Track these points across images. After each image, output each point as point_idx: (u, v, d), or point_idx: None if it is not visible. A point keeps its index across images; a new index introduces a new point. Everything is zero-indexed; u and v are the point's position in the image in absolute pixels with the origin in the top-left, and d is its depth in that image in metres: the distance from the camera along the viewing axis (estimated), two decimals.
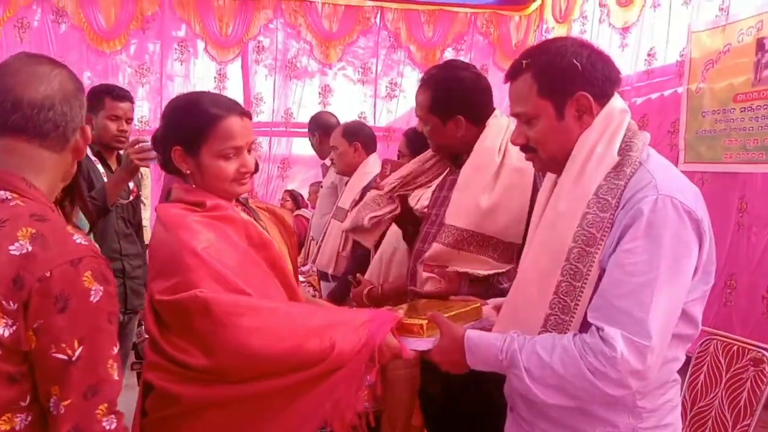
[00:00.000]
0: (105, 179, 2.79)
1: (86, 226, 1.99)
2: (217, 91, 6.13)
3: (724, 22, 4.34)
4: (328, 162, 3.89)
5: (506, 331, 1.37)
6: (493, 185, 1.88)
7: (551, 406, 1.32)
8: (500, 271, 1.87)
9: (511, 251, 1.88)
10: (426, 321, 1.45)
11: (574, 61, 1.35)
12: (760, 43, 4.06)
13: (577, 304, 1.29)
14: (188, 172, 1.50)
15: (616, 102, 1.38)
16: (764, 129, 4.02)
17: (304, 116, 6.23)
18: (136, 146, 2.49)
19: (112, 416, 1.06)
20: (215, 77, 6.15)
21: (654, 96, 4.93)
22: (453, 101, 1.96)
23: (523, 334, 1.33)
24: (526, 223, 1.73)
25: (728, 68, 4.30)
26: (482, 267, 1.88)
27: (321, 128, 3.88)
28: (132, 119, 2.94)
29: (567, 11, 6.06)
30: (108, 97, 2.85)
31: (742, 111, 4.18)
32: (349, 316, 1.49)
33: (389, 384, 2.35)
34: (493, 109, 2.03)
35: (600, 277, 1.28)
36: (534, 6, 6.49)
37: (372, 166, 3.37)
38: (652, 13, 5.02)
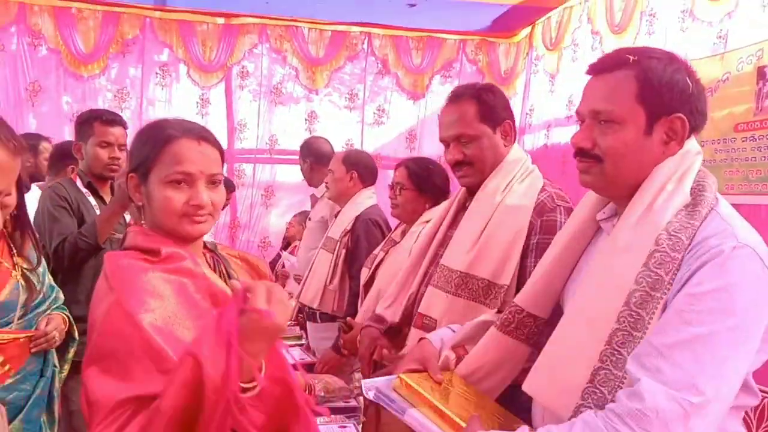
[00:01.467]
0: (97, 212, 2.58)
1: (35, 260, 1.81)
2: (199, 117, 5.98)
3: (723, 49, 4.26)
4: (318, 192, 3.70)
5: (543, 383, 1.19)
6: (484, 225, 1.81)
7: None
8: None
9: (498, 293, 1.76)
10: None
11: (687, 79, 1.20)
12: (761, 72, 3.96)
13: None
14: (140, 203, 1.32)
15: (693, 143, 1.24)
16: (767, 159, 3.91)
17: (288, 143, 6.10)
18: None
19: None
20: (198, 102, 6.00)
21: None
22: (500, 103, 1.94)
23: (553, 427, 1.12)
24: (520, 265, 1.70)
25: (728, 97, 4.19)
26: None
27: (313, 155, 3.72)
28: (125, 145, 2.73)
29: (557, 38, 5.97)
30: (97, 122, 2.67)
31: (743, 141, 4.07)
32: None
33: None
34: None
35: None
36: (523, 33, 6.42)
37: (366, 198, 3.19)
38: (647, 40, 4.93)
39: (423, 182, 2.55)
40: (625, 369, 1.11)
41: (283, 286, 4.63)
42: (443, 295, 1.84)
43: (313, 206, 3.90)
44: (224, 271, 1.41)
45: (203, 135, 1.32)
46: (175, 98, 6.00)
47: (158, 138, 1.28)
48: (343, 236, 3.10)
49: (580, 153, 1.27)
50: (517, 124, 6.39)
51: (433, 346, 1.48)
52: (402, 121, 6.50)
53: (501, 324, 1.41)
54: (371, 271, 2.60)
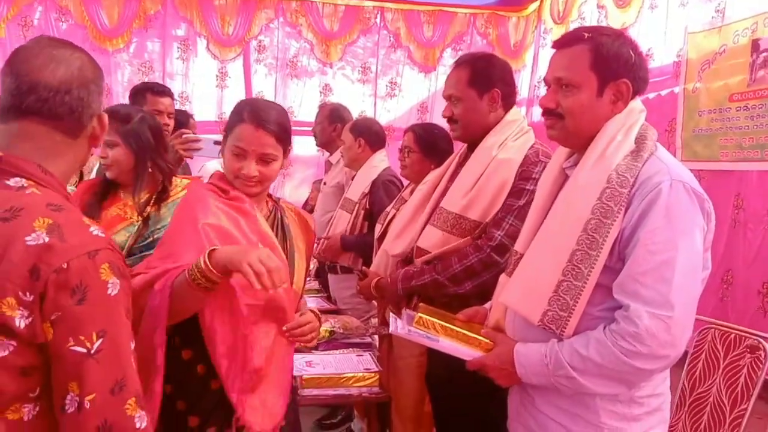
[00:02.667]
0: None
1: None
2: (218, 90, 6.22)
3: (720, 23, 4.42)
4: (333, 159, 3.95)
5: (517, 295, 1.49)
6: (479, 175, 2.12)
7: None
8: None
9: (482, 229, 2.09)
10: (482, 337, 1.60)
11: (630, 51, 1.47)
12: (755, 44, 4.14)
13: (591, 271, 1.39)
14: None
15: (638, 103, 1.51)
16: (759, 128, 4.10)
17: (304, 115, 6.30)
18: (182, 137, 2.53)
19: (143, 413, 1.04)
20: (217, 75, 6.21)
21: (651, 96, 5.00)
22: (492, 73, 2.18)
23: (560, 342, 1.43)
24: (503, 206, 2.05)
25: (724, 68, 4.37)
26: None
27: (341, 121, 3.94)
28: (173, 114, 3.00)
29: (565, 12, 6.13)
30: (149, 93, 2.91)
31: (737, 110, 4.26)
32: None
33: (398, 372, 2.41)
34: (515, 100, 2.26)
35: (612, 250, 1.38)
36: (532, 7, 6.56)
37: (378, 161, 3.44)
38: (649, 14, 5.10)
39: (429, 146, 2.79)
40: (614, 297, 1.37)
41: None
42: (439, 232, 2.16)
43: (326, 172, 4.15)
44: (280, 218, 1.74)
45: (263, 121, 1.59)
46: (194, 71, 6.22)
47: (234, 116, 1.63)
48: (362, 198, 3.36)
49: (547, 112, 1.53)
50: (525, 95, 6.56)
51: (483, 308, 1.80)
52: (414, 93, 6.66)
53: (507, 271, 1.68)
54: (384, 226, 2.85)
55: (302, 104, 6.43)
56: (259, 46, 6.32)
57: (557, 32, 6.19)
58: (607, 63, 1.45)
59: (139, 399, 1.04)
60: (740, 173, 4.24)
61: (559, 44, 1.53)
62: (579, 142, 1.51)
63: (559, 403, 1.48)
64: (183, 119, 4.20)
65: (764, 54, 4.07)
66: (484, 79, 2.16)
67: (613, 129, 1.46)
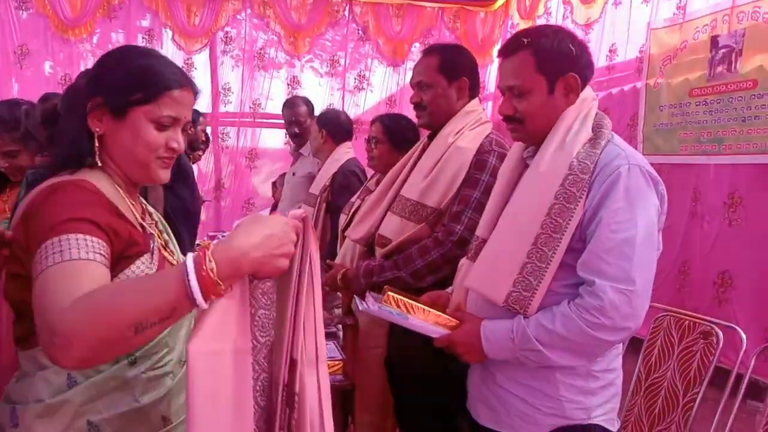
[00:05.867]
0: None
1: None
2: None
3: (681, 20, 4.52)
4: (304, 150, 3.95)
5: (481, 278, 1.55)
6: (436, 162, 2.15)
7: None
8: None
9: (439, 216, 2.13)
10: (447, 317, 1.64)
11: (570, 45, 1.54)
12: (714, 41, 4.24)
13: (554, 253, 1.46)
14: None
15: (589, 91, 1.59)
16: (717, 122, 4.21)
17: (271, 107, 6.27)
18: None
19: None
20: (183, 67, 6.07)
21: (615, 90, 5.10)
22: (461, 62, 2.22)
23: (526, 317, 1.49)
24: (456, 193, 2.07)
25: (685, 64, 4.48)
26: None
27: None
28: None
29: (532, 8, 6.20)
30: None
31: (696, 105, 4.36)
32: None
33: (363, 362, 2.42)
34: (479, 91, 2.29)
35: (575, 232, 1.45)
36: (500, 2, 6.62)
37: (342, 154, 3.45)
38: (613, 10, 5.19)
39: (396, 136, 2.80)
40: (578, 274, 1.45)
41: None
42: (398, 219, 2.19)
43: (293, 164, 4.15)
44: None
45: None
46: None
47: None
48: (323, 191, 3.37)
49: (506, 119, 1.60)
50: (492, 90, 6.60)
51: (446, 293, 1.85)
52: (382, 87, 6.67)
53: (470, 255, 1.73)
54: (348, 217, 2.86)
55: (270, 97, 6.39)
56: (226, 37, 6.27)
57: (524, 27, 6.26)
58: (552, 62, 1.53)
59: None
60: (698, 166, 4.34)
61: (502, 53, 1.61)
62: (542, 140, 1.57)
63: (520, 378, 1.54)
64: (194, 117, 4.21)
65: (723, 50, 4.18)
66: (453, 67, 2.20)
67: (569, 119, 1.53)
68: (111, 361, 1.12)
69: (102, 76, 1.20)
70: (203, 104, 5.79)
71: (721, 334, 2.20)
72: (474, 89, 2.26)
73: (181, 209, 4.17)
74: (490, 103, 6.63)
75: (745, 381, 2.13)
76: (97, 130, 1.19)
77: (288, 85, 6.42)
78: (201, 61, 6.22)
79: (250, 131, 6.50)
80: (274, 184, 5.11)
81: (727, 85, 4.13)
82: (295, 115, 4.01)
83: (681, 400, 2.22)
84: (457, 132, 2.16)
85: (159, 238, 1.28)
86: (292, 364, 1.04)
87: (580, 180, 1.46)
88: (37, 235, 1.04)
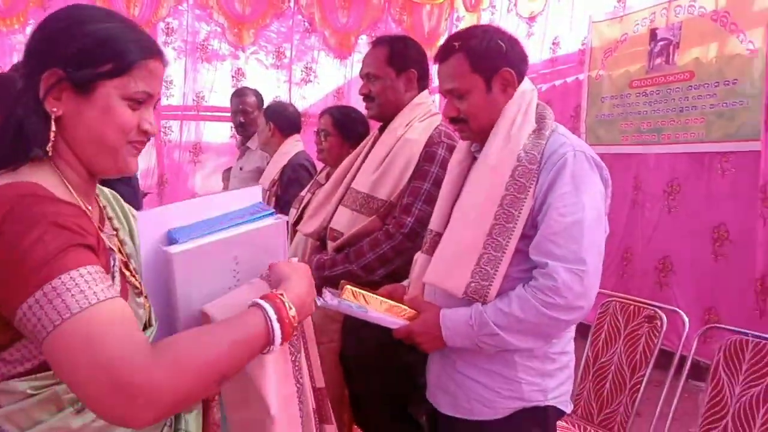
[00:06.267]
0: None
1: None
2: None
3: (622, 13, 4.64)
4: (252, 144, 3.88)
5: (440, 272, 1.57)
6: (386, 154, 2.15)
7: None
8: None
9: (390, 208, 2.13)
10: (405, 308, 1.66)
11: (500, 42, 1.59)
12: (653, 33, 4.37)
13: (509, 242, 1.50)
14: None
15: (527, 83, 1.63)
16: (656, 113, 4.34)
17: (215, 100, 6.14)
18: None
19: None
20: None
21: (558, 83, 5.20)
22: (409, 54, 2.22)
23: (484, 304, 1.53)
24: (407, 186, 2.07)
25: (625, 56, 4.60)
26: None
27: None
28: None
29: (477, 1, 6.25)
30: None
31: (637, 96, 4.49)
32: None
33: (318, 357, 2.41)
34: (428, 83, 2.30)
35: (527, 220, 1.50)
36: None
37: (290, 147, 3.40)
38: (556, 3, 5.28)
39: (346, 129, 2.78)
40: (530, 258, 1.49)
41: None
42: (349, 212, 2.19)
43: (239, 158, 4.07)
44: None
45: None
46: None
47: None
48: (272, 186, 3.32)
49: (452, 121, 1.65)
50: (437, 82, 6.66)
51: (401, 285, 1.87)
52: (329, 80, 6.61)
53: (425, 249, 1.75)
54: (299, 211, 2.83)
55: (214, 89, 6.26)
56: (167, 28, 6.09)
57: (469, 20, 6.31)
58: (485, 61, 1.59)
59: None
60: (639, 156, 4.48)
61: (438, 59, 1.66)
62: (487, 135, 1.61)
63: (480, 364, 1.58)
64: None
65: (661, 42, 4.31)
66: (402, 58, 2.20)
67: (511, 112, 1.58)
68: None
69: (57, 44, 0.94)
70: None
71: (664, 317, 2.28)
72: (423, 81, 2.26)
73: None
74: (437, 96, 6.67)
75: (688, 362, 2.20)
76: (55, 110, 0.94)
77: (233, 77, 6.30)
78: None
79: (194, 125, 6.35)
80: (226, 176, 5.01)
81: (665, 77, 4.27)
82: (243, 104, 3.94)
83: (628, 382, 2.28)
84: (407, 124, 2.16)
85: (120, 253, 1.06)
86: (319, 392, 1.18)
87: (528, 170, 1.50)
88: (23, 273, 0.82)
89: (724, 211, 3.95)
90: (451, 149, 2.01)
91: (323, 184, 2.80)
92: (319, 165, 3.12)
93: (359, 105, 2.33)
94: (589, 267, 1.44)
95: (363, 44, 6.50)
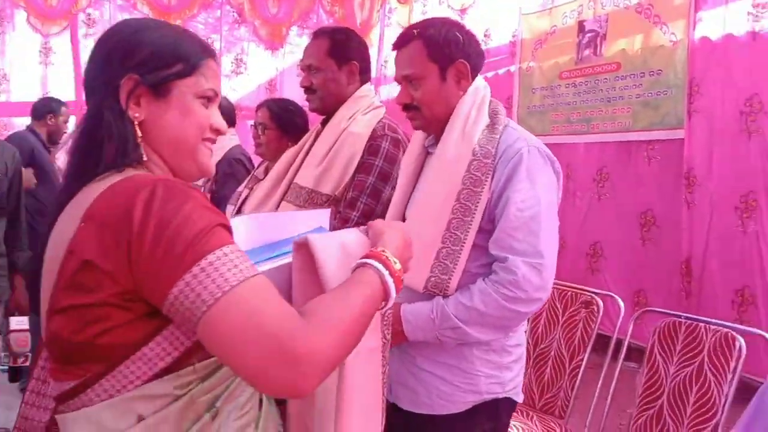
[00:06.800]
0: None
1: None
2: (42, 66, 5.68)
3: (551, 5, 4.74)
4: None
5: None
6: (329, 148, 2.11)
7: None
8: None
9: (334, 203, 2.11)
10: None
11: (458, 34, 1.61)
12: (581, 25, 4.49)
13: (467, 236, 1.52)
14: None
15: (480, 80, 1.66)
16: (585, 103, 4.47)
17: None
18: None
19: None
20: (40, 51, 5.66)
21: (490, 74, 5.26)
22: (351, 46, 2.17)
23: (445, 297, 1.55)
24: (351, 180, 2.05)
25: (554, 48, 4.70)
26: None
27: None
28: None
29: None
30: None
31: (566, 87, 4.60)
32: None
33: None
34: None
35: (483, 214, 1.52)
36: None
37: (226, 140, 3.30)
38: None
39: (285, 122, 2.71)
40: (490, 253, 1.51)
41: None
42: (293, 208, 2.14)
43: None
44: None
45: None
46: (12, 47, 5.61)
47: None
48: (207, 181, 3.22)
49: (405, 107, 1.66)
50: (373, 74, 6.63)
51: None
52: (261, 71, 6.48)
53: None
54: (237, 207, 2.75)
55: None
56: (88, 19, 5.83)
57: (401, 12, 6.32)
58: (441, 50, 1.59)
59: None
60: (569, 146, 4.60)
61: (396, 45, 1.68)
62: (440, 126, 1.64)
63: (439, 358, 1.59)
64: (55, 107, 4.05)
65: (589, 34, 4.43)
66: (343, 50, 2.16)
67: (466, 107, 1.60)
68: None
69: (128, 51, 0.97)
70: (65, 92, 5.36)
71: (601, 302, 2.34)
72: (365, 74, 2.23)
73: (39, 210, 3.84)
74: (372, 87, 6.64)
75: (625, 345, 2.28)
76: (137, 115, 0.97)
77: None
78: (60, 45, 5.74)
79: None
80: None
81: (593, 68, 4.39)
82: None
83: (567, 367, 2.34)
84: (350, 117, 2.12)
85: None
86: None
87: (483, 164, 1.53)
88: (178, 249, 0.81)
89: (651, 197, 4.11)
90: (395, 142, 2.00)
91: (262, 179, 2.73)
92: (256, 159, 3.04)
93: (293, 97, 2.28)
94: (546, 260, 1.48)
95: (294, 35, 6.41)
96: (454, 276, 1.52)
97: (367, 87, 2.25)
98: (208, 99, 1.02)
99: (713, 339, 1.98)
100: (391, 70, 6.55)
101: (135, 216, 0.82)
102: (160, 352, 0.88)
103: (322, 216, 1.23)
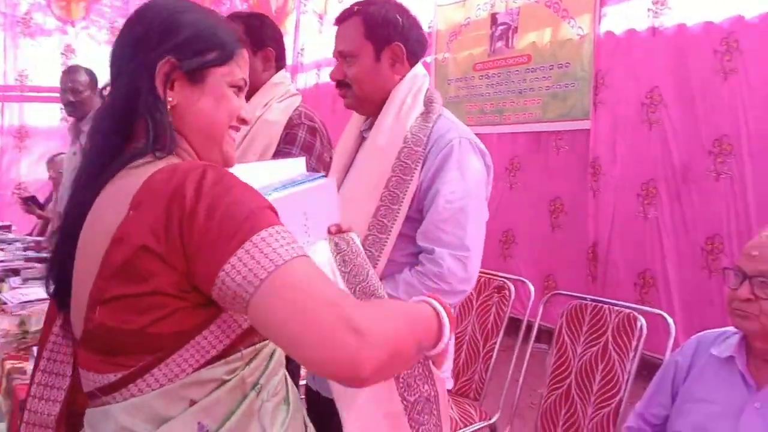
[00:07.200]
0: None
1: None
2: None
3: None
4: (86, 127, 3.55)
5: None
6: (243, 137, 2.03)
7: None
8: None
9: None
10: None
11: (398, 16, 1.58)
12: (493, 18, 4.58)
13: (393, 224, 1.51)
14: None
15: (420, 68, 1.64)
16: (498, 94, 4.57)
17: (41, 79, 5.60)
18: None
19: None
20: None
21: None
22: (266, 32, 2.09)
23: None
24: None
25: (468, 40, 4.78)
26: None
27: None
28: None
29: None
30: None
31: (480, 78, 4.69)
32: None
33: None
34: None
35: (411, 201, 1.52)
36: None
37: None
38: None
39: None
40: (417, 244, 1.50)
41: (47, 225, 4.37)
42: None
43: (73, 142, 3.73)
44: None
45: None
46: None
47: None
48: None
49: (338, 84, 1.63)
50: (289, 62, 6.55)
51: None
52: None
53: None
54: None
55: (39, 67, 5.69)
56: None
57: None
58: (379, 30, 1.57)
59: None
60: (483, 136, 4.65)
61: (337, 20, 1.65)
62: (371, 107, 1.62)
63: None
64: None
65: (501, 27, 4.53)
66: (258, 37, 2.09)
67: (402, 93, 1.58)
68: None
69: (165, 33, 0.95)
70: None
71: (512, 287, 2.40)
72: (280, 60, 2.18)
73: None
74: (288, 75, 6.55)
75: (535, 328, 2.34)
76: (171, 99, 0.94)
77: (62, 54, 5.77)
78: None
79: (17, 107, 5.76)
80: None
81: (505, 60, 4.49)
82: (73, 82, 3.60)
83: (481, 350, 2.39)
84: (265, 105, 2.05)
85: None
86: None
87: (414, 152, 1.51)
88: (230, 227, 0.80)
89: (559, 185, 4.26)
90: (312, 131, 1.97)
91: None
92: None
93: None
94: (471, 253, 1.48)
95: None
96: (379, 264, 1.51)
97: (283, 74, 2.19)
98: (239, 88, 1.02)
99: (616, 320, 2.07)
100: (307, 57, 6.49)
101: (187, 197, 0.81)
102: (213, 341, 0.88)
103: (299, 164, 1.23)
